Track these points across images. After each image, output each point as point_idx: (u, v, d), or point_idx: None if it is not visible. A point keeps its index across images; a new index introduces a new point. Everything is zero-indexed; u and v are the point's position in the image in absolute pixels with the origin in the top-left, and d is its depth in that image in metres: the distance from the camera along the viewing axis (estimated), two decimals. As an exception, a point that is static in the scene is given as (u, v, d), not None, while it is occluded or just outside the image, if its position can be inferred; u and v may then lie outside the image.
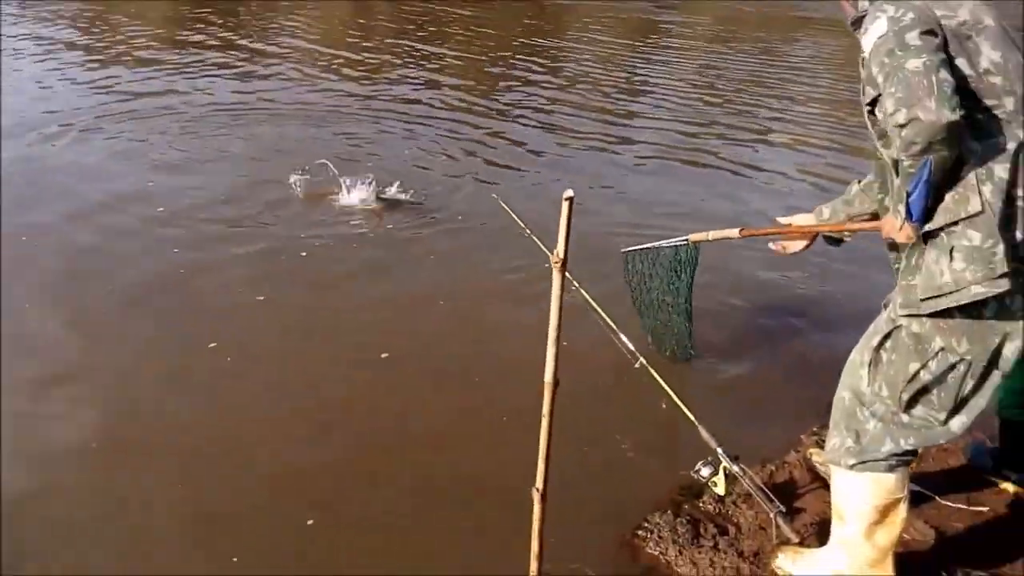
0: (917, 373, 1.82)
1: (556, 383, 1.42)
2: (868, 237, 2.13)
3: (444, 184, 5.11)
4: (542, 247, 3.03)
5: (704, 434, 2.45)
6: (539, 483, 1.46)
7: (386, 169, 5.22)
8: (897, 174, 1.80)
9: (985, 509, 2.45)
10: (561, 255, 1.33)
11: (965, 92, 1.67)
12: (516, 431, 2.51)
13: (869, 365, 1.92)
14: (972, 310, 1.73)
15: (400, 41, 9.89)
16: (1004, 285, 1.68)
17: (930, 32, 1.68)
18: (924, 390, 1.83)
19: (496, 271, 3.93)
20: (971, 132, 1.69)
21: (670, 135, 6.57)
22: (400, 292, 3.71)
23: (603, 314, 2.84)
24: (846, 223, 2.22)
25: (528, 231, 3.18)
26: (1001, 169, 1.68)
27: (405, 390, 2.99)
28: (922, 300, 1.78)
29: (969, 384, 1.80)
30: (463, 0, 12.99)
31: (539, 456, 1.44)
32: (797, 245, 2.38)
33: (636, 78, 8.64)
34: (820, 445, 2.73)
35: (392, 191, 4.64)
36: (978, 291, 1.69)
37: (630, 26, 12.30)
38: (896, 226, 1.78)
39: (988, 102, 1.71)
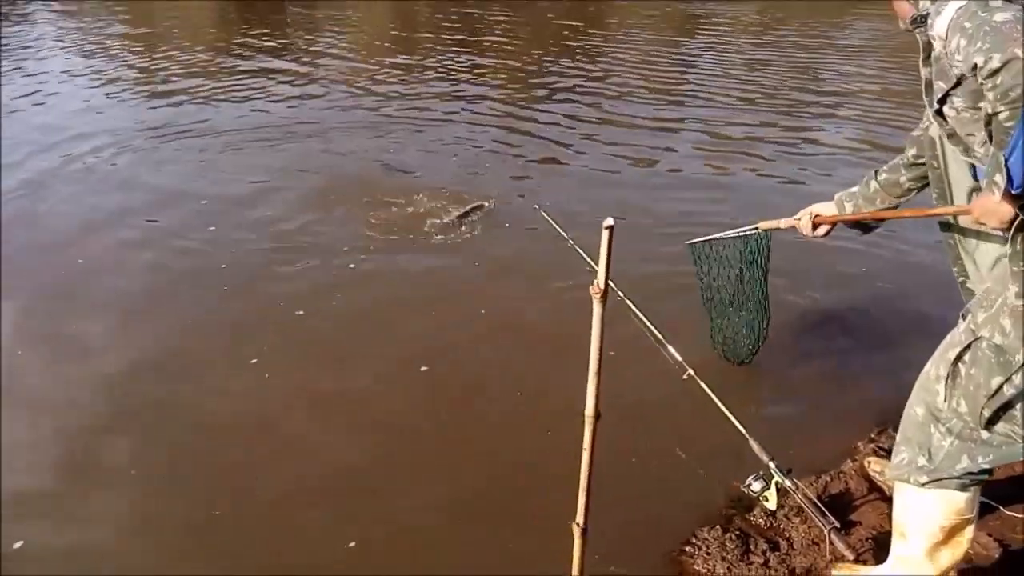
0: (1000, 388, 1.72)
1: (597, 416, 1.39)
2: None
3: (494, 192, 5.11)
4: (586, 258, 3.00)
5: (755, 447, 2.40)
6: (579, 517, 1.44)
7: (437, 179, 5.26)
8: (971, 151, 1.75)
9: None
10: (602, 286, 1.31)
11: None
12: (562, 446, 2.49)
13: (946, 379, 1.82)
14: None
15: (439, 46, 9.91)
16: None
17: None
18: (1007, 405, 1.74)
19: (541, 282, 3.91)
20: None
21: (719, 126, 6.47)
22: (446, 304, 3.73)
23: (649, 324, 2.79)
24: (929, 209, 2.06)
25: (571, 242, 3.15)
26: None
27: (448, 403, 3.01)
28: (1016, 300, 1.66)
29: None
30: (502, 2, 12.98)
31: (580, 490, 1.42)
32: (820, 230, 2.40)
33: (682, 75, 8.51)
34: (878, 453, 2.66)
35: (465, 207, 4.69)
36: None
37: (673, 22, 12.14)
38: (993, 204, 1.62)
39: None
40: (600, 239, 1.26)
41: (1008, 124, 1.57)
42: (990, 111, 1.64)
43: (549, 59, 8.91)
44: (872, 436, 2.79)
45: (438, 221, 4.57)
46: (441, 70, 8.64)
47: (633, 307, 2.83)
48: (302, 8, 13.11)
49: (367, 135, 6.31)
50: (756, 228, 2.67)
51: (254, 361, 3.23)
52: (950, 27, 1.66)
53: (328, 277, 3.95)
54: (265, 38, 10.38)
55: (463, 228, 4.51)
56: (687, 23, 11.88)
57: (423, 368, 3.19)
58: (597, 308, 1.35)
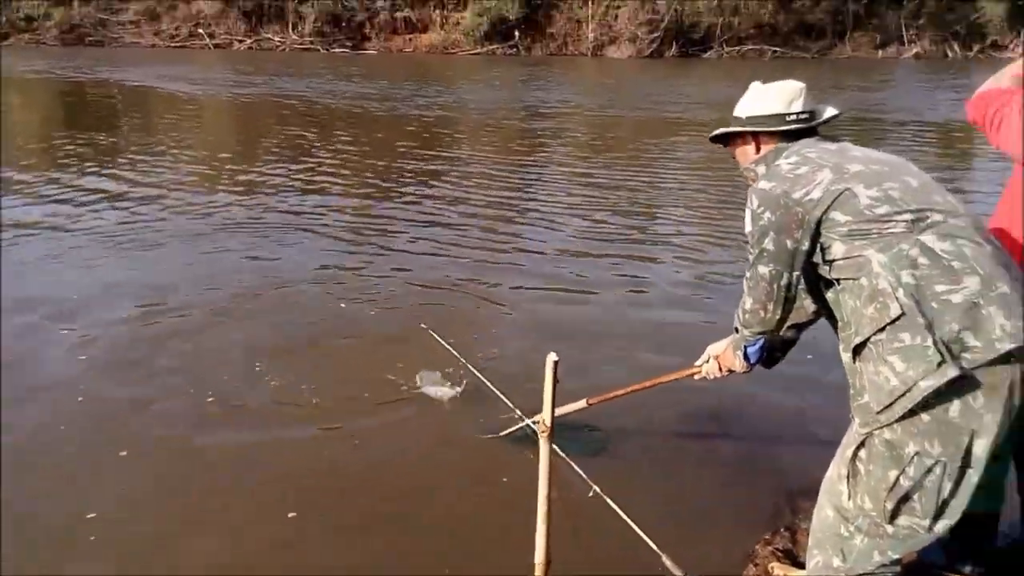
0: (897, 480, 1.84)
1: (548, 563, 1.32)
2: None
3: (366, 309, 5.00)
4: (501, 396, 2.95)
5: (668, 563, 2.37)
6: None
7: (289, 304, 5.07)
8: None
9: (944, 608, 2.47)
10: (548, 423, 1.27)
11: (856, 232, 1.89)
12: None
13: (848, 478, 1.93)
14: (938, 411, 1.78)
15: (281, 173, 9.82)
16: (950, 373, 1.74)
17: (788, 230, 1.96)
18: (906, 497, 1.85)
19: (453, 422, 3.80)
20: (876, 248, 1.86)
21: (552, 258, 6.71)
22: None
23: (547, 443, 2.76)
24: (684, 369, 2.65)
25: (465, 362, 3.10)
26: (907, 275, 1.80)
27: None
28: (878, 412, 1.84)
29: (948, 486, 1.84)
30: (344, 123, 13.11)
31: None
32: (719, 374, 2.57)
33: (521, 191, 8.80)
34: (777, 556, 2.71)
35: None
36: (927, 385, 1.76)
37: (508, 136, 12.70)
38: (734, 362, 2.38)
39: (884, 226, 1.87)
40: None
41: (749, 336, 2.21)
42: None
43: (391, 182, 8.91)
44: (767, 538, 2.84)
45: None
46: (284, 190, 8.53)
47: (522, 417, 2.79)
48: (137, 116, 12.71)
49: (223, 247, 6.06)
50: (534, 421, 2.80)
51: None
52: (746, 226, 2.07)
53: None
54: (101, 147, 9.92)
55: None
56: (524, 139, 12.47)
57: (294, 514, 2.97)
58: (544, 447, 1.30)
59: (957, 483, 1.84)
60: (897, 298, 1.79)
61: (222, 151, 10.40)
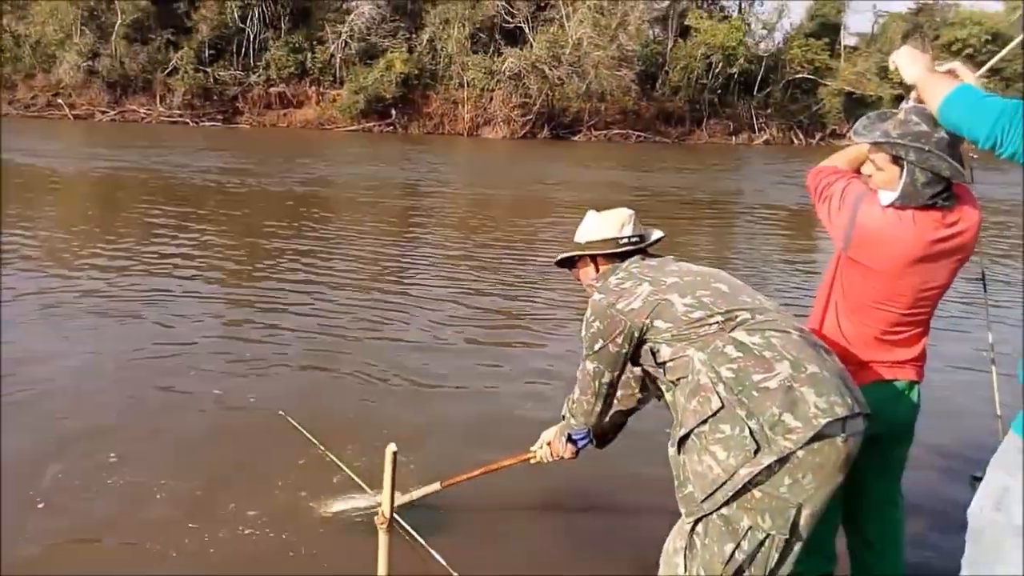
0: (733, 553, 1.97)
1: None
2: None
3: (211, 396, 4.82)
4: (358, 481, 2.91)
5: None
6: None
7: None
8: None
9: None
10: (387, 514, 1.30)
11: (678, 336, 2.15)
12: None
13: (684, 551, 2.05)
14: (769, 488, 1.92)
15: (137, 248, 9.48)
16: (765, 461, 1.90)
17: (612, 335, 2.25)
18: (740, 570, 1.98)
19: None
20: (695, 348, 2.09)
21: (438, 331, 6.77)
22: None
23: (418, 537, 2.74)
24: (522, 454, 2.89)
25: (323, 449, 3.05)
26: (726, 370, 2.00)
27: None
28: (702, 501, 1.98)
29: (775, 557, 1.98)
30: (211, 198, 12.81)
31: None
32: (551, 459, 2.79)
33: (390, 274, 8.85)
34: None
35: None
36: (746, 472, 1.91)
37: (384, 213, 12.77)
38: (562, 448, 2.63)
39: (700, 330, 2.11)
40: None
41: (574, 424, 2.55)
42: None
43: (256, 264, 8.69)
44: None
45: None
46: (134, 270, 8.22)
47: (413, 531, 2.76)
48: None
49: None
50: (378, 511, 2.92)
51: None
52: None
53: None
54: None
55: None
56: (400, 217, 12.58)
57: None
58: (383, 539, 1.32)
59: (783, 554, 1.99)
60: (717, 392, 1.98)
61: (75, 227, 9.90)
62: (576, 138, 31.78)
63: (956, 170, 2.27)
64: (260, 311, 6.66)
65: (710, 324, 2.11)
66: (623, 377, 2.63)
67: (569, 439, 2.57)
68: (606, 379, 2.34)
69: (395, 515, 2.73)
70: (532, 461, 2.79)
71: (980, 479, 2.67)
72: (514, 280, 8.33)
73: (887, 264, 2.38)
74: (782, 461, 1.91)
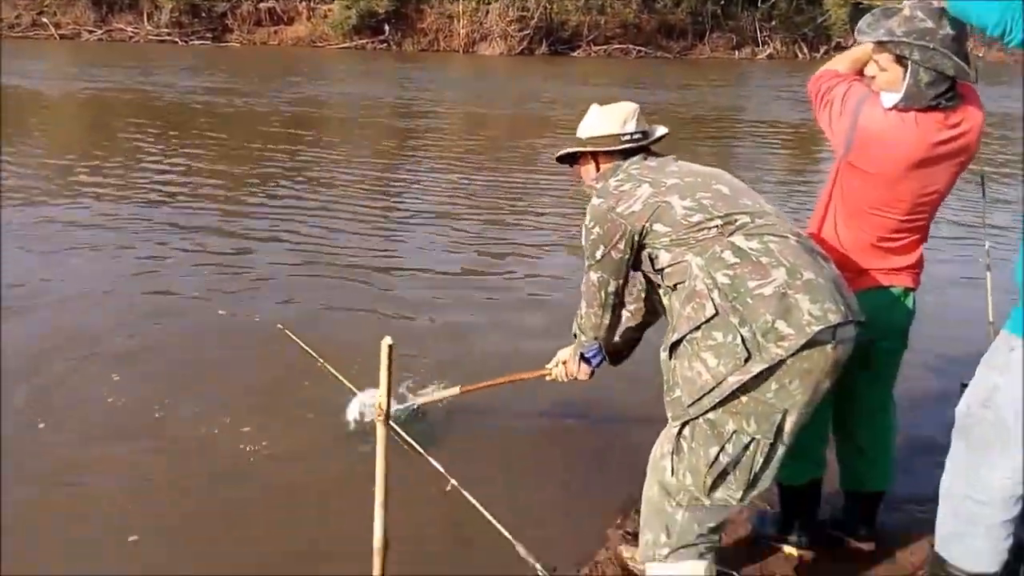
0: (717, 456, 1.99)
1: (387, 546, 1.36)
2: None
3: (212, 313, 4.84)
4: (344, 381, 2.96)
5: (522, 551, 2.46)
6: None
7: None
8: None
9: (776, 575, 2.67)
10: (384, 407, 1.31)
11: (677, 240, 2.10)
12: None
13: (672, 455, 2.08)
14: (756, 393, 1.93)
15: (140, 166, 9.36)
16: (755, 369, 1.90)
17: (613, 241, 2.20)
18: (724, 473, 2.01)
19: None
20: (693, 253, 2.04)
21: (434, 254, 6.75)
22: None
23: (407, 437, 2.79)
24: (537, 371, 2.89)
25: (322, 361, 3.09)
26: (722, 276, 1.97)
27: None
28: (689, 406, 2.00)
29: (760, 461, 2.01)
30: (203, 119, 12.52)
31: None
32: (565, 378, 2.76)
33: (387, 197, 8.73)
34: (627, 539, 2.85)
35: None
36: (735, 380, 1.92)
37: (384, 133, 12.56)
38: (576, 368, 2.58)
39: (699, 232, 2.06)
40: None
41: (584, 341, 2.48)
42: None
43: (250, 186, 8.58)
44: (618, 522, 2.98)
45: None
46: (136, 191, 8.14)
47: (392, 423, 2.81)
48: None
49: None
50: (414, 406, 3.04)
51: None
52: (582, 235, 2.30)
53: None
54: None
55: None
56: (395, 138, 12.39)
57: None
58: (381, 431, 1.34)
59: (767, 458, 2.02)
60: (712, 299, 1.96)
61: (69, 152, 9.76)
62: (575, 54, 30.98)
63: (961, 69, 2.21)
64: (254, 231, 6.64)
65: (709, 228, 2.07)
66: (635, 289, 2.62)
67: (583, 359, 2.53)
68: (611, 288, 2.28)
69: (392, 425, 2.79)
70: (548, 378, 2.79)
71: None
72: (511, 204, 8.25)
73: (888, 168, 2.35)
74: (772, 369, 1.92)
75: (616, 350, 2.65)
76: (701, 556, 2.11)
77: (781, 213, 2.20)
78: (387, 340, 1.27)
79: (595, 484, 3.25)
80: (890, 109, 2.31)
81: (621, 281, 2.29)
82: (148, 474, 3.18)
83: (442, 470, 2.69)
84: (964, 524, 2.07)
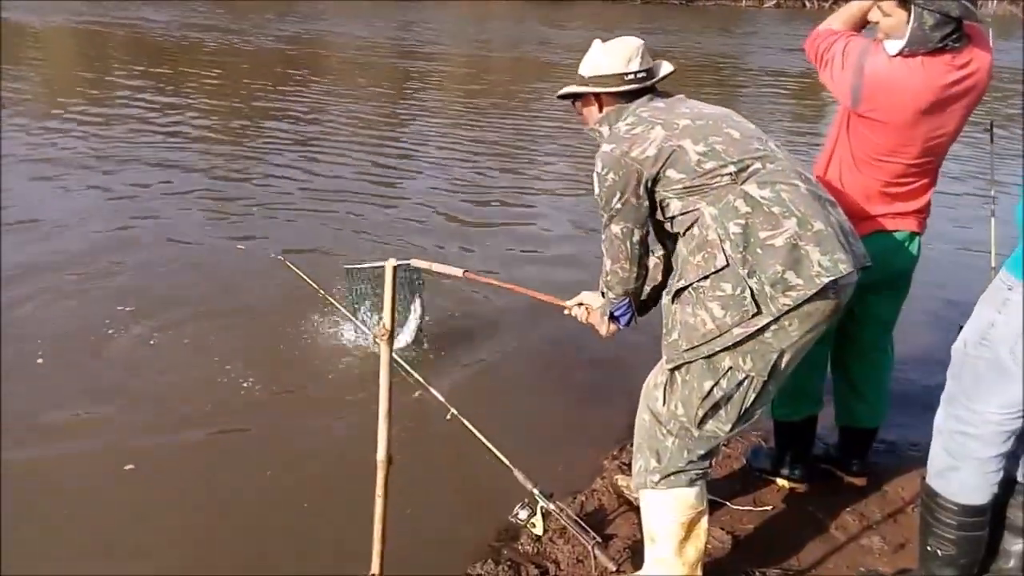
0: (711, 391, 2.00)
1: (390, 460, 1.38)
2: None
3: (219, 248, 4.84)
4: (339, 307, 2.97)
5: (519, 476, 2.50)
6: (375, 567, 1.40)
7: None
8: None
9: (769, 508, 2.71)
10: (388, 326, 1.31)
11: (690, 188, 2.01)
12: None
13: (665, 386, 2.09)
14: (756, 333, 1.93)
15: (136, 103, 9.23)
16: (760, 322, 1.90)
17: (632, 188, 2.05)
18: (716, 406, 2.02)
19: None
20: (707, 202, 1.98)
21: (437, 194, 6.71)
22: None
23: (409, 368, 2.82)
24: (558, 300, 2.60)
25: (322, 292, 3.10)
26: (735, 226, 1.93)
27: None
28: (685, 350, 2.00)
29: (751, 397, 2.01)
30: (199, 57, 12.31)
31: (374, 538, 1.39)
32: (583, 322, 2.50)
33: (397, 127, 8.69)
34: (623, 469, 2.89)
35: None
36: (739, 332, 1.92)
37: (383, 75, 12.39)
38: (602, 326, 2.37)
39: (712, 180, 1.99)
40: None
41: (611, 299, 2.27)
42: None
43: (259, 116, 8.57)
44: (614, 454, 3.02)
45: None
46: (142, 123, 8.04)
47: (393, 354, 2.82)
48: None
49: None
50: (408, 262, 2.78)
51: None
52: (594, 186, 2.13)
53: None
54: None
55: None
56: (396, 80, 12.22)
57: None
58: (384, 350, 1.34)
59: (760, 394, 2.02)
60: (723, 250, 1.92)
61: (66, 86, 9.63)
62: (579, -1, 30.45)
63: (966, 9, 2.17)
64: (248, 171, 6.61)
65: (722, 175, 1.99)
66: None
67: (612, 318, 2.33)
68: (636, 238, 2.13)
69: (395, 356, 2.81)
70: (565, 312, 2.60)
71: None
72: (512, 150, 8.17)
73: (898, 115, 2.33)
74: (777, 317, 1.91)
75: (643, 303, 2.43)
76: (692, 482, 2.13)
77: (790, 156, 2.13)
78: (391, 261, 1.27)
79: (593, 417, 3.29)
80: (896, 55, 2.28)
81: (645, 230, 2.14)
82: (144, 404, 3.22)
83: (442, 399, 2.72)
84: (955, 458, 2.10)
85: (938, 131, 2.38)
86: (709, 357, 1.98)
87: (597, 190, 2.11)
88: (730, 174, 1.99)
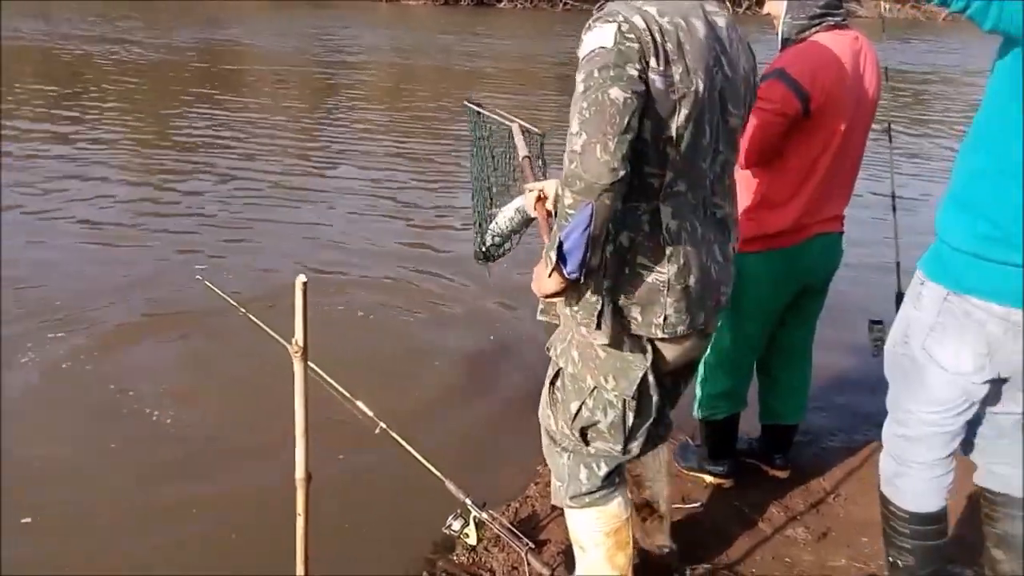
0: (579, 411, 1.91)
1: (309, 478, 1.35)
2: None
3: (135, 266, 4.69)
4: (266, 329, 2.91)
5: (451, 487, 2.49)
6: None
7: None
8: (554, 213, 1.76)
9: (697, 503, 2.77)
10: (301, 343, 1.29)
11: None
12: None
13: (549, 405, 2.02)
14: (614, 349, 1.81)
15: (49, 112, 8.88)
16: (598, 340, 1.78)
17: (642, 60, 1.59)
18: (591, 425, 1.92)
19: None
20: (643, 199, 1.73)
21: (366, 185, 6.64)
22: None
23: (333, 383, 2.77)
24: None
25: (243, 311, 3.04)
26: (625, 238, 1.74)
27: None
28: (549, 348, 1.97)
29: (631, 416, 1.89)
30: (109, 72, 11.84)
31: (297, 560, 1.36)
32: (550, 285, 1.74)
33: (316, 137, 8.56)
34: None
35: None
36: (578, 338, 1.85)
37: (308, 87, 12.19)
38: (544, 274, 1.70)
39: (647, 180, 1.72)
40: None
41: (570, 212, 1.58)
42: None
43: (179, 125, 8.32)
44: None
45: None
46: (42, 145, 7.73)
47: (314, 367, 2.78)
48: None
49: None
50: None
51: None
52: (585, 58, 1.62)
53: None
54: None
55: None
56: (317, 91, 12.05)
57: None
58: (298, 367, 1.33)
59: (641, 410, 1.89)
60: (604, 249, 1.72)
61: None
62: (500, 5, 30.63)
63: None
64: (169, 192, 6.41)
65: (656, 177, 1.70)
66: None
67: (559, 254, 1.62)
68: (634, 122, 1.56)
69: (316, 369, 2.77)
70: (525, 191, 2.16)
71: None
72: (436, 166, 8.15)
73: (841, 92, 2.40)
74: (617, 340, 1.78)
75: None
76: (608, 497, 2.03)
77: (730, 171, 1.87)
78: (301, 278, 1.26)
79: (525, 424, 3.26)
80: (798, 42, 2.41)
81: (637, 118, 1.58)
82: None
83: (371, 414, 2.68)
84: (900, 463, 2.06)
85: (861, 111, 2.50)
86: (573, 375, 1.88)
87: (609, 41, 1.58)
88: (661, 182, 1.71)
